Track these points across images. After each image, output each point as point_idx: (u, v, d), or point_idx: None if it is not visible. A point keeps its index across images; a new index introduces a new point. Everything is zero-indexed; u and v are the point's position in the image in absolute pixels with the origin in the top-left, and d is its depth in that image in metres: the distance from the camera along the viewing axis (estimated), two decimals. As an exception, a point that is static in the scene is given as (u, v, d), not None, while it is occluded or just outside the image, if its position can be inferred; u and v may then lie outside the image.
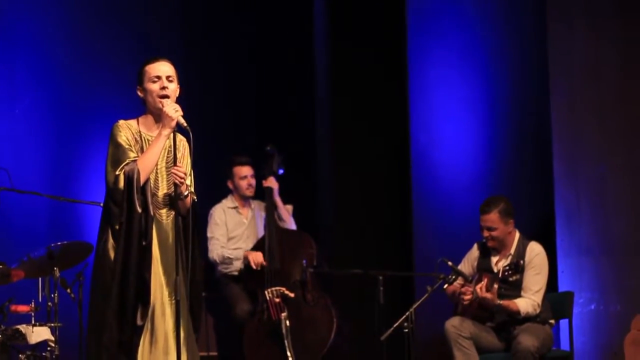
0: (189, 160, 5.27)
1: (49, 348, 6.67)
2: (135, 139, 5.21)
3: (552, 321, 7.00)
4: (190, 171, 5.25)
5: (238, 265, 7.92)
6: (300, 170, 8.75)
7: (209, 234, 7.97)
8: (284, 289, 7.72)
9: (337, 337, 7.67)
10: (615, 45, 7.70)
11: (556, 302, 7.09)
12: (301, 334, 7.65)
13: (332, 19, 8.87)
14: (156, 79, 5.22)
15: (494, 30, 8.21)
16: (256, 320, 7.74)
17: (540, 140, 7.90)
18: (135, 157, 5.15)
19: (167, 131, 5.13)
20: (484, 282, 6.76)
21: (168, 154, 5.24)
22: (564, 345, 7.34)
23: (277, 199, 8.00)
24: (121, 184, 5.09)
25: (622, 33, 7.67)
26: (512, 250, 6.98)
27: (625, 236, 7.58)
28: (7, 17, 8.07)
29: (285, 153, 8.12)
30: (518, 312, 6.80)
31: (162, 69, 5.24)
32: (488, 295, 6.71)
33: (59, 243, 6.73)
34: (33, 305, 6.69)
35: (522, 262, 6.85)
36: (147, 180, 5.15)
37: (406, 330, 6.44)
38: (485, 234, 6.98)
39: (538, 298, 6.84)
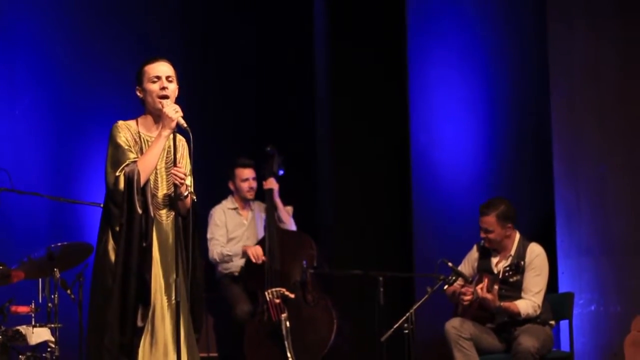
0: (189, 161, 5.26)
1: (49, 349, 6.67)
2: (135, 139, 5.20)
3: (553, 322, 7.00)
4: (190, 171, 5.24)
5: (238, 263, 7.91)
6: (300, 170, 8.75)
7: (209, 235, 7.97)
8: (284, 289, 7.72)
9: (337, 338, 7.68)
10: (615, 45, 7.70)
11: (556, 303, 7.09)
12: (301, 335, 7.65)
13: (332, 19, 8.87)
14: (156, 79, 5.20)
15: (494, 31, 8.20)
16: (256, 321, 7.74)
17: (540, 140, 7.90)
18: (135, 157, 5.14)
19: (167, 132, 5.12)
20: (484, 283, 6.75)
21: (167, 154, 5.24)
22: (564, 346, 7.33)
23: (277, 201, 8.00)
24: (121, 185, 5.09)
25: (622, 33, 7.67)
26: (513, 251, 6.97)
27: (625, 236, 7.58)
28: (7, 17, 8.07)
29: (285, 153, 8.11)
30: (518, 314, 6.80)
31: (162, 69, 5.23)
32: (489, 296, 6.71)
33: (59, 244, 6.72)
34: (33, 306, 6.69)
35: (522, 263, 6.85)
36: (147, 181, 5.14)
37: (406, 331, 6.44)
38: (482, 234, 6.99)
39: (538, 299, 6.84)
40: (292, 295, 7.72)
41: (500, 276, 6.84)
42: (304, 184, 8.82)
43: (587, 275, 7.59)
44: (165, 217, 5.21)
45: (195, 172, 5.29)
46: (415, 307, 6.53)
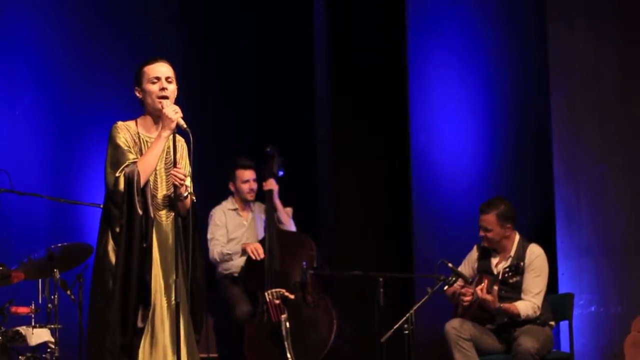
0: (188, 162, 5.26)
1: (49, 350, 6.67)
2: (134, 140, 5.20)
3: (552, 323, 7.00)
4: (190, 172, 5.24)
5: (238, 264, 7.91)
6: (300, 170, 8.75)
7: (209, 235, 7.97)
8: (284, 290, 7.72)
9: (337, 339, 7.67)
10: (615, 45, 7.69)
11: (556, 303, 7.09)
12: (301, 336, 7.65)
13: (332, 19, 8.86)
14: (155, 80, 5.20)
15: (494, 31, 8.20)
16: (256, 322, 7.74)
17: (540, 140, 7.90)
18: (134, 158, 5.14)
19: (166, 133, 5.12)
20: (484, 283, 6.75)
21: (167, 155, 5.23)
22: (564, 347, 7.33)
23: (277, 202, 7.99)
24: (121, 186, 5.08)
25: (622, 33, 7.66)
26: (512, 252, 6.97)
27: (625, 236, 7.58)
28: (7, 17, 8.06)
29: (285, 154, 8.11)
30: (518, 315, 6.80)
31: (161, 69, 5.23)
32: (489, 297, 6.71)
33: (59, 244, 6.72)
34: (33, 307, 6.69)
35: (522, 264, 6.85)
36: (147, 181, 5.13)
37: (406, 331, 6.44)
38: (481, 233, 6.99)
39: (538, 300, 6.84)
40: (292, 296, 7.71)
41: (500, 277, 6.84)
42: (304, 184, 8.81)
43: (587, 276, 7.59)
44: (165, 217, 5.20)
45: (195, 172, 5.28)
46: (415, 307, 6.52)
